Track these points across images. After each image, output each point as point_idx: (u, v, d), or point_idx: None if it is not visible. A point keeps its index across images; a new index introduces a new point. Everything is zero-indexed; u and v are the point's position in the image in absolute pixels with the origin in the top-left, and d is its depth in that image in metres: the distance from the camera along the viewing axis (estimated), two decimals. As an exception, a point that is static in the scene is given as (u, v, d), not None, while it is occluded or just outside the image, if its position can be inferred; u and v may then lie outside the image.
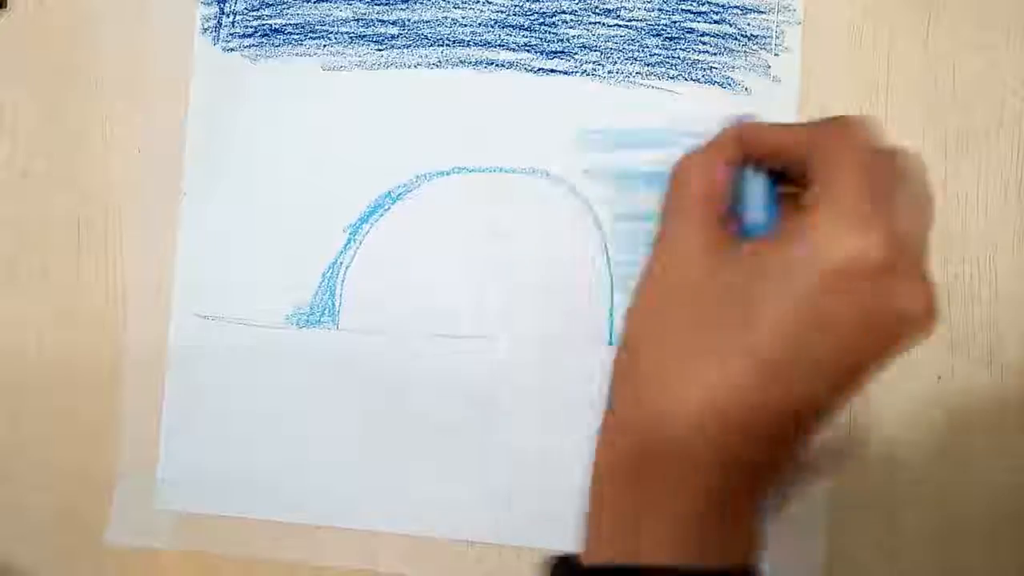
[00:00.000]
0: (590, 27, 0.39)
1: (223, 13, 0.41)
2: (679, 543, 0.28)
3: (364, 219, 0.40)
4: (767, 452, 0.28)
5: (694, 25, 0.39)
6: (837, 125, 0.30)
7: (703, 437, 0.28)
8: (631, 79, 0.39)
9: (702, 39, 0.39)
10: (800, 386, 0.28)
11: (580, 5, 0.39)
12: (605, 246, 0.38)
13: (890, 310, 0.27)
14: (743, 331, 0.28)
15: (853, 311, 0.27)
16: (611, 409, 0.30)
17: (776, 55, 0.38)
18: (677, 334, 0.29)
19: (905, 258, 0.27)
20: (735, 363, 0.27)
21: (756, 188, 0.30)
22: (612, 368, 0.30)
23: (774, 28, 0.38)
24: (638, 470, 0.29)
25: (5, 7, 0.41)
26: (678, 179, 0.31)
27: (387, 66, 0.40)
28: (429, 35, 0.40)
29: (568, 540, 0.37)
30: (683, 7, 0.39)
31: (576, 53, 0.39)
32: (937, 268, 0.37)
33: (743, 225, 0.30)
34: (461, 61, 0.39)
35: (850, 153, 0.28)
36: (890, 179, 0.29)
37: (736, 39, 0.39)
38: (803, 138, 0.30)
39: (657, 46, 0.39)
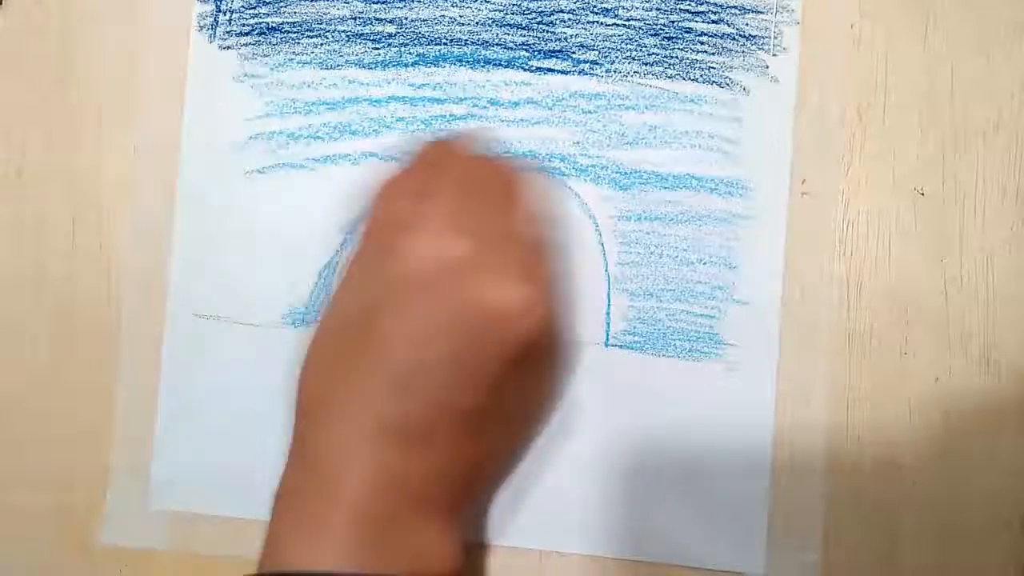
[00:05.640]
0: (588, 26, 0.39)
1: (219, 11, 0.40)
2: (330, 554, 0.28)
3: (361, 218, 0.39)
4: (426, 460, 0.29)
5: (692, 25, 0.39)
6: (441, 141, 0.33)
7: (349, 459, 0.28)
8: (629, 78, 0.39)
9: (700, 39, 0.39)
10: (430, 391, 0.28)
11: (578, 4, 0.39)
12: (603, 246, 0.38)
13: (480, 303, 0.28)
14: (374, 347, 0.28)
15: (446, 309, 0.28)
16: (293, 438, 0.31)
17: (774, 55, 0.38)
18: (330, 365, 0.30)
19: (496, 256, 0.29)
20: (371, 382, 0.28)
21: None
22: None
23: (772, 28, 0.38)
24: (298, 491, 0.30)
25: (0, 5, 0.41)
26: (369, 205, 0.32)
27: (384, 65, 0.40)
28: (426, 34, 0.40)
29: (565, 540, 0.37)
30: (681, 7, 0.39)
31: (574, 52, 0.39)
32: (935, 269, 0.37)
33: None
34: (458, 59, 0.39)
35: (445, 167, 0.31)
36: (480, 189, 0.31)
37: (734, 39, 0.38)
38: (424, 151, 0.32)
39: (655, 46, 0.39)
